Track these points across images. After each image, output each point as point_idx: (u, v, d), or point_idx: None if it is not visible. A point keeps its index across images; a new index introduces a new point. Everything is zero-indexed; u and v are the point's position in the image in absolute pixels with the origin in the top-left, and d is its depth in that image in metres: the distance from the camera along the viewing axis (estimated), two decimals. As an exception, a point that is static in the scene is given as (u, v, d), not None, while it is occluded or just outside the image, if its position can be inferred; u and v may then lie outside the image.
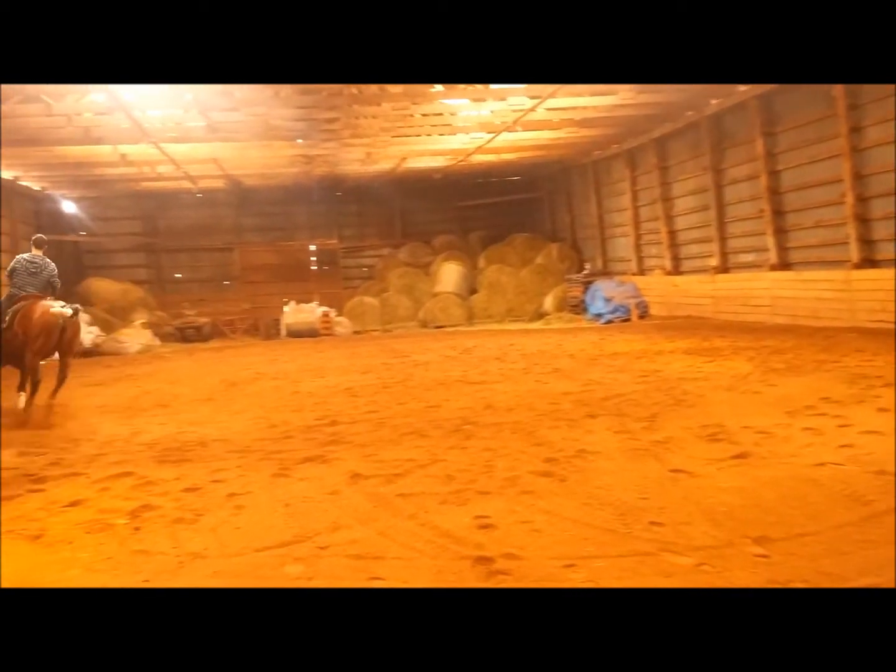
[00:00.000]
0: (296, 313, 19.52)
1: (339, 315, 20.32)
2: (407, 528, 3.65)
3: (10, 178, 17.77)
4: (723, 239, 15.59)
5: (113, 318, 19.45)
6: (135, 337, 17.57)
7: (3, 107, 11.97)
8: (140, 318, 19.43)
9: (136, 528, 3.81)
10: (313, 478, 4.68)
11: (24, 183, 18.63)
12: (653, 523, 3.52)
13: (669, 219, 17.52)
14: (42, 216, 20.19)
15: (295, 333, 18.98)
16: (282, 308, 19.97)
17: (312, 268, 23.65)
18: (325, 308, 19.95)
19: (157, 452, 5.67)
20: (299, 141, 16.11)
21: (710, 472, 4.33)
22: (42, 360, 7.87)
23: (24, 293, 7.68)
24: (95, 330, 17.94)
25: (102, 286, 20.69)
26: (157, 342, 18.12)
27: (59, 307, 7.57)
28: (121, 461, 5.40)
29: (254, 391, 9.04)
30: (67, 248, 21.86)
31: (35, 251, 8.05)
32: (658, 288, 17.78)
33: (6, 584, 2.96)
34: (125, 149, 15.32)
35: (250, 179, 20.80)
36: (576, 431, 5.60)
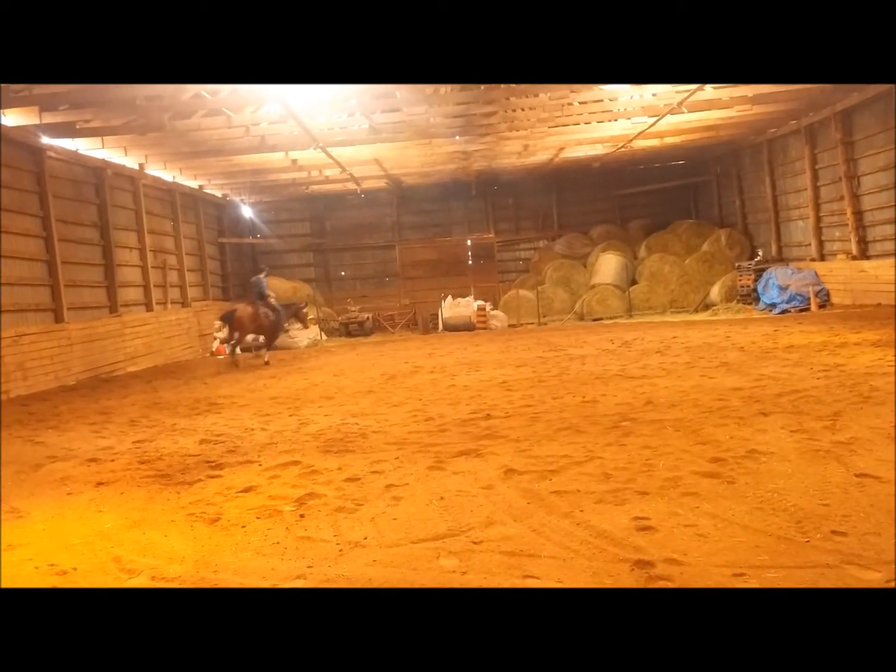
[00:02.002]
0: (452, 307, 19.86)
1: (494, 308, 20.45)
2: (562, 526, 3.56)
3: (196, 187, 19.47)
4: (919, 218, 13.98)
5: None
6: (304, 332, 18.66)
7: (190, 120, 13.13)
8: (309, 314, 20.62)
9: (301, 516, 4.01)
10: (468, 471, 4.70)
11: (208, 191, 20.35)
12: (835, 532, 3.22)
13: (855, 198, 15.96)
14: (224, 221, 22.03)
15: (452, 327, 19.32)
16: (439, 302, 20.40)
17: (469, 262, 23.96)
18: (480, 302, 20.15)
19: (322, 443, 5.95)
20: (457, 138, 16.33)
21: (904, 478, 3.87)
22: None
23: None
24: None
25: (275, 284, 22.09)
26: (324, 337, 19.15)
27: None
28: (289, 450, 5.73)
29: (412, 384, 9.28)
30: (246, 250, 23.71)
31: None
32: (841, 274, 16.28)
33: (184, 562, 3.19)
34: (296, 154, 16.30)
35: (410, 178, 21.41)
36: (746, 430, 5.23)
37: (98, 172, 14.58)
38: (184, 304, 18.06)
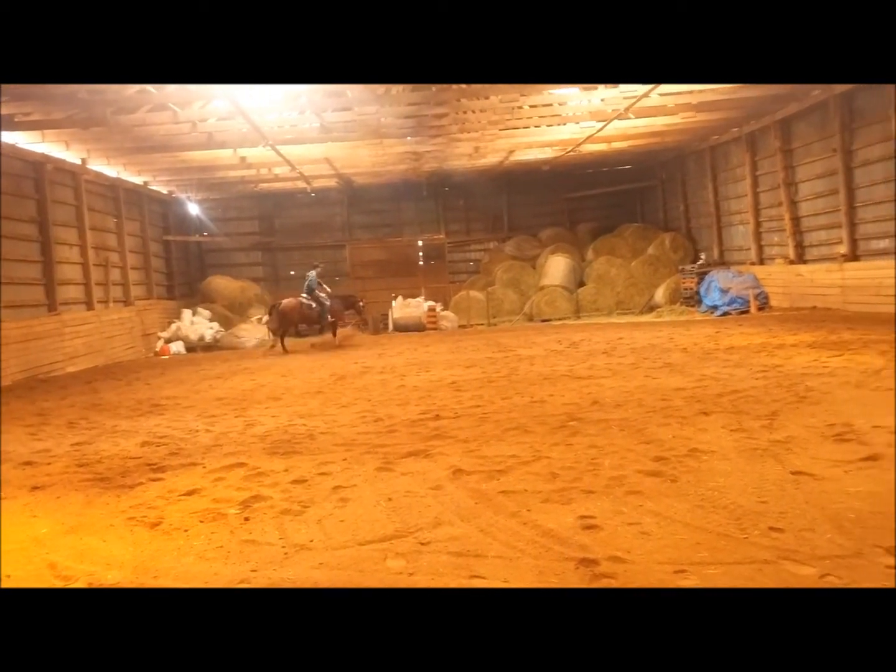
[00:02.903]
0: (403, 308, 19.85)
1: (444, 309, 20.49)
2: (509, 526, 3.59)
3: (141, 183, 19.01)
4: (852, 224, 14.51)
5: (231, 314, 20.47)
6: (251, 332, 18.41)
7: (134, 115, 12.81)
8: (256, 313, 20.35)
9: (246, 519, 3.94)
10: (416, 472, 4.70)
11: (153, 187, 19.87)
12: (772, 529, 3.31)
13: (793, 204, 16.50)
14: (169, 218, 21.54)
15: (402, 328, 19.31)
16: (390, 303, 20.34)
17: (420, 263, 23.95)
18: (431, 302, 20.18)
19: (269, 444, 5.88)
20: (408, 138, 16.31)
21: (837, 475, 4.02)
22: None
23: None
24: (216, 325, 18.95)
25: (222, 283, 21.81)
26: (272, 337, 18.88)
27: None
28: (235, 452, 5.63)
29: (361, 385, 9.23)
30: (192, 248, 23.24)
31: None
32: (780, 278, 16.81)
33: (122, 568, 3.12)
34: (244, 152, 16.06)
35: (361, 178, 21.30)
36: (688, 429, 5.35)
37: (38, 167, 14.09)
38: (126, 302, 17.60)
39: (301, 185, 20.83)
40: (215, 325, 19.10)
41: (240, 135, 14.50)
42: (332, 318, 15.97)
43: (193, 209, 21.72)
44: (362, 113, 14.17)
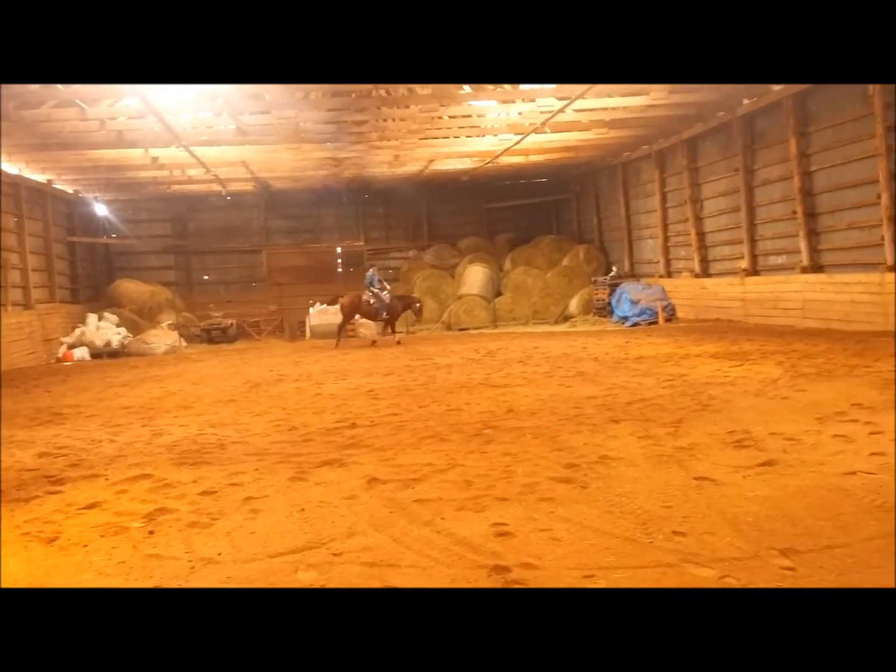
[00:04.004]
0: (321, 315, 19.60)
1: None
2: (422, 535, 3.58)
3: (45, 182, 18.10)
4: (753, 241, 15.31)
5: (140, 319, 19.73)
6: (161, 338, 17.81)
7: (38, 111, 12.20)
8: (167, 319, 19.69)
9: (151, 532, 3.79)
10: (330, 482, 4.64)
11: (58, 186, 18.96)
12: (675, 533, 3.41)
13: (699, 220, 17.27)
14: (75, 219, 20.57)
15: (320, 335, 19.05)
16: (308, 310, 20.06)
17: (338, 270, 23.75)
18: (350, 310, 20.00)
19: (177, 454, 5.68)
20: (328, 144, 16.18)
21: (736, 480, 4.20)
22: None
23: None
24: (123, 331, 18.22)
25: (131, 287, 21.00)
26: (183, 343, 18.33)
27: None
28: (140, 463, 5.41)
29: (276, 393, 9.05)
30: (99, 250, 22.27)
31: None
32: (686, 290, 17.54)
33: (17, 585, 2.96)
34: (156, 152, 15.55)
35: (279, 182, 20.97)
36: (598, 437, 5.49)
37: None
38: (27, 306, 16.67)
39: (216, 187, 20.32)
40: (123, 330, 18.35)
41: (151, 134, 14.02)
42: (388, 315, 16.34)
43: (101, 210, 20.83)
44: (281, 116, 13.96)
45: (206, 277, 23.61)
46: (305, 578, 3.11)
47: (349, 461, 5.15)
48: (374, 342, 16.48)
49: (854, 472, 4.16)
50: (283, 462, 5.23)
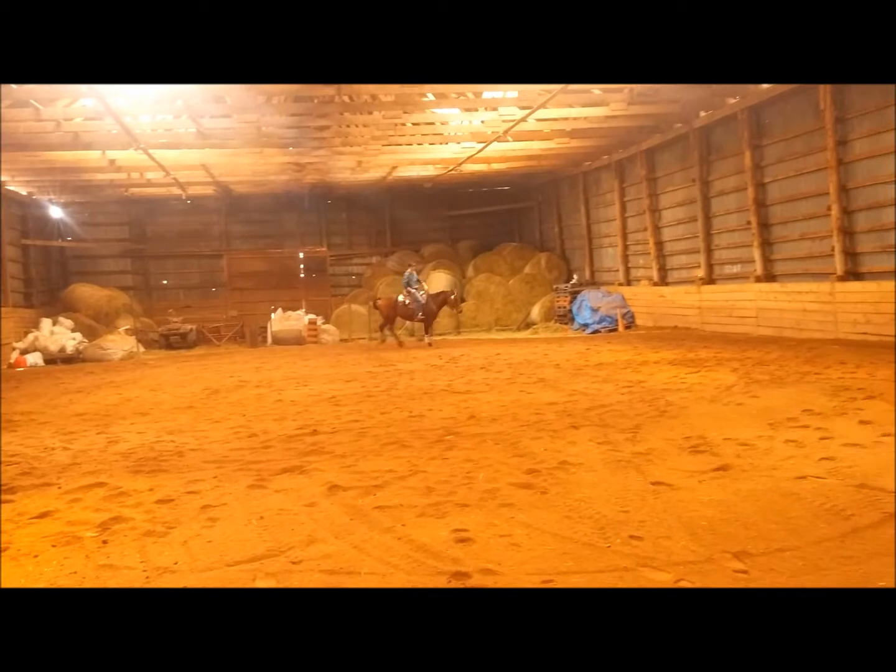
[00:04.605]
0: (282, 321, 19.45)
1: (326, 323, 20.26)
2: (383, 541, 3.58)
3: (-4, 183, 17.66)
4: (709, 250, 15.64)
5: (97, 324, 19.32)
6: (118, 343, 17.45)
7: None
8: (124, 324, 19.33)
9: (104, 542, 3.72)
10: (290, 489, 4.60)
11: (11, 188, 18.49)
12: (632, 537, 3.46)
13: (657, 230, 17.58)
14: (28, 221, 20.06)
15: (281, 341, 18.90)
16: (269, 315, 19.88)
17: (301, 275, 23.58)
18: (312, 316, 19.89)
19: (133, 462, 5.57)
20: (290, 148, 16.09)
21: (691, 484, 4.29)
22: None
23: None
24: (78, 336, 17.82)
25: (87, 292, 20.56)
26: (141, 349, 17.99)
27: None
28: (94, 471, 5.30)
29: (236, 399, 8.95)
30: (54, 254, 21.75)
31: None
32: (645, 298, 17.83)
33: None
34: (114, 154, 15.26)
35: (240, 186, 20.76)
36: (558, 442, 5.55)
37: None
38: (-23, 310, 16.22)
39: (176, 191, 20.02)
40: (78, 335, 17.94)
41: (109, 136, 13.77)
42: (422, 316, 16.39)
43: (56, 212, 20.34)
44: (242, 120, 13.85)
45: (164, 282, 23.24)
46: (263, 587, 3.08)
47: (310, 468, 5.12)
48: (401, 344, 16.48)
49: (804, 477, 4.27)
50: (242, 469, 5.18)
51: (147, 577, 3.23)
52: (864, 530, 3.40)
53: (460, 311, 18.55)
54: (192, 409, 8.33)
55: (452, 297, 16.93)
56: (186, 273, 23.28)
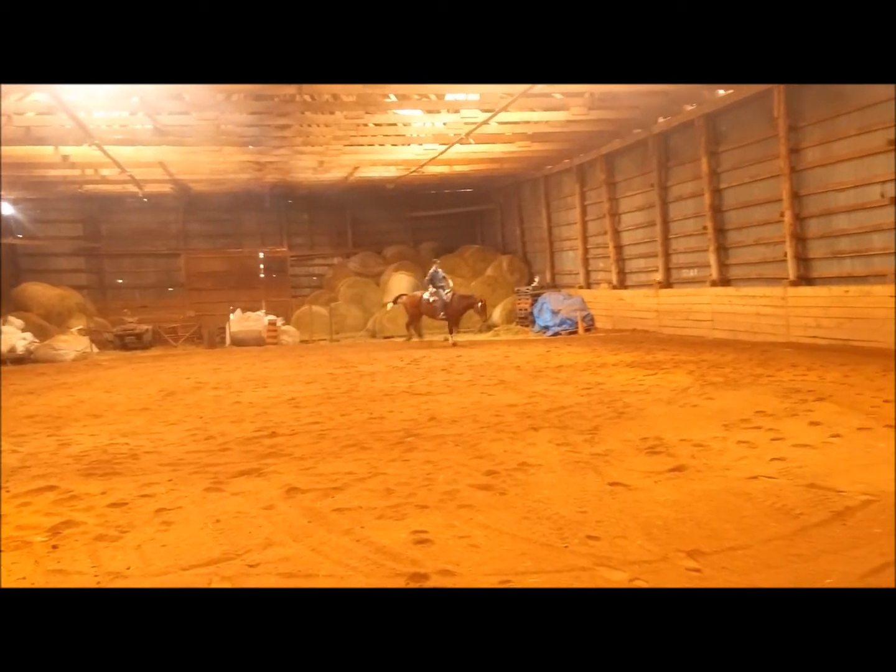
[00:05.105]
0: (242, 321, 19.20)
1: (286, 324, 20.06)
2: (342, 544, 3.56)
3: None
4: (667, 254, 15.90)
5: (49, 324, 18.82)
6: (71, 344, 17.03)
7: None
8: (77, 324, 18.86)
9: (54, 546, 3.63)
10: (248, 492, 4.55)
11: (-42, 183, 17.92)
12: (589, 537, 3.50)
13: (616, 234, 17.80)
14: (-24, 217, 19.47)
15: (240, 342, 18.66)
16: (227, 316, 19.60)
17: (261, 276, 23.32)
18: (271, 316, 19.67)
19: (85, 465, 5.45)
20: (250, 147, 15.90)
21: (648, 485, 4.35)
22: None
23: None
24: (29, 336, 17.34)
25: (38, 291, 20.02)
26: (95, 350, 17.59)
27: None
28: (45, 474, 5.17)
29: (193, 401, 8.81)
30: (4, 251, 21.11)
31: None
32: (604, 301, 18.04)
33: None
34: (67, 150, 14.88)
35: (199, 185, 20.45)
36: (518, 444, 5.58)
37: None
38: (-79, 308, 15.67)
39: (132, 188, 19.62)
40: (29, 335, 17.43)
41: (62, 131, 13.44)
42: (444, 315, 15.99)
43: (6, 209, 19.78)
44: (201, 118, 13.64)
45: (119, 281, 22.76)
46: (219, 587, 3.04)
47: (268, 471, 5.07)
48: (423, 340, 16.40)
49: (756, 477, 4.37)
50: (198, 472, 5.10)
51: (98, 582, 3.16)
52: (813, 529, 3.49)
53: (486, 320, 17.91)
54: (147, 411, 8.18)
55: (479, 304, 16.26)
56: (142, 272, 22.83)
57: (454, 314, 16.19)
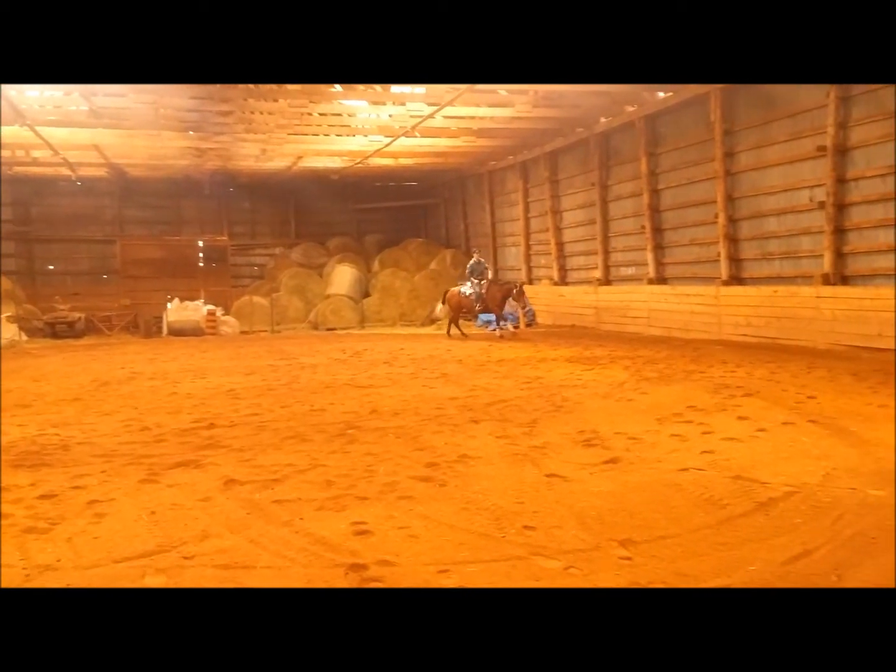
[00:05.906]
0: (179, 311, 18.77)
1: (226, 314, 19.71)
2: (280, 535, 3.55)
3: None
4: (606, 252, 16.23)
5: (-26, 310, 18.04)
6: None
7: None
8: (6, 311, 18.11)
9: (-20, 539, 3.52)
10: (184, 484, 4.48)
11: None
12: (526, 527, 3.58)
13: (558, 231, 18.07)
14: None
15: (178, 332, 18.24)
16: (164, 305, 19.13)
17: (200, 265, 22.83)
18: (211, 306, 19.29)
19: (13, 456, 5.27)
20: (190, 133, 15.54)
21: (583, 476, 4.47)
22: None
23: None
24: (-47, 323, 16.61)
25: (-38, 276, 19.16)
26: (24, 337, 16.95)
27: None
28: (-31, 466, 4.99)
29: (127, 391, 8.59)
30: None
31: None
32: (545, 297, 18.30)
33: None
34: (-4, 130, 14.27)
35: (136, 170, 19.89)
36: (458, 436, 5.65)
37: None
38: None
39: (65, 171, 18.94)
40: (-48, 322, 16.72)
41: (-9, 110, 12.88)
42: (480, 307, 15.22)
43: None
44: (139, 101, 13.25)
45: (51, 267, 21.97)
46: (153, 583, 3.00)
47: (205, 462, 5.00)
48: (465, 335, 15.47)
49: (686, 469, 4.54)
50: (132, 464, 5.00)
51: (27, 576, 3.08)
52: (738, 518, 3.65)
53: (525, 307, 16.77)
54: (78, 401, 7.95)
55: (516, 290, 14.89)
56: (75, 258, 22.07)
57: (493, 305, 15.07)
